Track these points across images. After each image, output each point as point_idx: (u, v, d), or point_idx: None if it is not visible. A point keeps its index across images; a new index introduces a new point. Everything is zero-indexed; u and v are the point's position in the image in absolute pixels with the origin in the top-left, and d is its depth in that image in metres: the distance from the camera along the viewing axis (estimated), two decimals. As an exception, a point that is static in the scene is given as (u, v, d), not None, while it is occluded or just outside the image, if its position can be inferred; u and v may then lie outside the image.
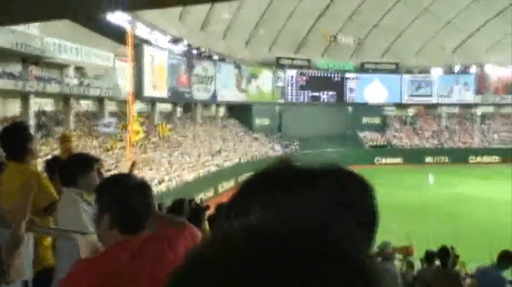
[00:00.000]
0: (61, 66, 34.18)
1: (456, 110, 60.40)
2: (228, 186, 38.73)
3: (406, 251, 13.45)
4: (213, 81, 47.81)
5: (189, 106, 47.59)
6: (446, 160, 52.72)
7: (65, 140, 4.98)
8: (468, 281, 10.89)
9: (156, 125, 39.05)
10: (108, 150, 32.75)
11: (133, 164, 5.51)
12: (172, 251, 2.22)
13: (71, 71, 34.67)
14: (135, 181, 2.38)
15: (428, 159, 53.33)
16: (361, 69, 58.29)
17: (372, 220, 0.92)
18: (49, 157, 23.65)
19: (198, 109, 47.85)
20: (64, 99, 34.18)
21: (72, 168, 3.65)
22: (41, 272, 3.76)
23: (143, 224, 2.22)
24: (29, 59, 30.45)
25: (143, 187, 2.33)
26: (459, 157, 52.14)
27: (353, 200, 0.89)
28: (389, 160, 52.30)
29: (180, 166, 35.97)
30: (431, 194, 34.95)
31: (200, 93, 46.58)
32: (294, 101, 55.62)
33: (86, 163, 3.71)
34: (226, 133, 48.03)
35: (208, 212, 8.73)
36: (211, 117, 50.36)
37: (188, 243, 2.32)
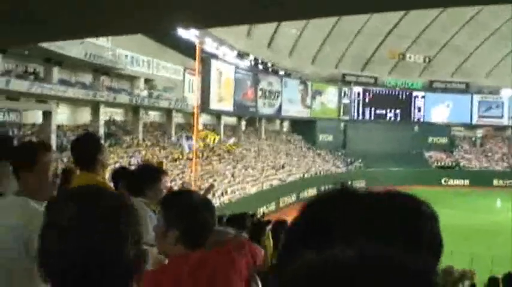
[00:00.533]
0: (131, 78, 35.31)
1: (526, 132, 58.01)
2: (289, 201, 38.65)
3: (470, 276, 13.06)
4: (278, 96, 48.06)
5: (253, 120, 48.00)
6: (516, 184, 50.55)
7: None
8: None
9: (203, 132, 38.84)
10: (175, 160, 33.43)
11: (210, 188, 5.53)
12: (233, 267, 2.23)
13: (141, 83, 35.74)
14: (199, 197, 2.45)
15: (497, 182, 51.28)
16: (430, 87, 57.01)
17: (437, 249, 0.94)
18: (117, 165, 24.40)
19: (262, 123, 48.17)
20: (133, 109, 35.27)
21: (141, 179, 3.75)
22: None
23: (205, 239, 2.28)
24: (100, 70, 31.57)
25: (209, 204, 2.41)
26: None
27: (420, 232, 0.91)
28: (456, 182, 50.65)
29: (244, 179, 36.24)
30: (499, 218, 33.61)
31: (265, 108, 46.92)
32: (359, 118, 55.00)
33: (155, 174, 3.81)
34: (289, 148, 48.05)
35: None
36: (275, 132, 50.57)
37: (249, 260, 2.32)
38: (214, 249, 2.26)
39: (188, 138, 32.72)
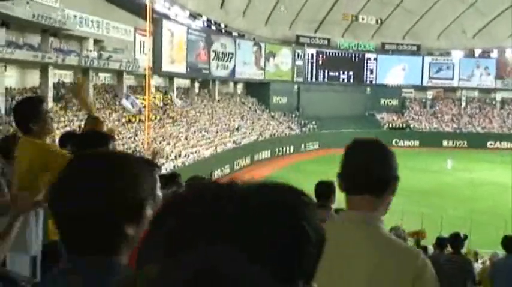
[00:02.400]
0: (81, 39, 34.27)
1: (476, 94, 59.69)
2: (244, 163, 38.86)
3: (419, 236, 13.41)
4: (232, 58, 47.65)
5: (207, 82, 47.57)
6: (465, 145, 52.22)
7: (99, 122, 4.79)
8: (479, 266, 10.84)
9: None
10: (127, 123, 32.95)
11: (154, 154, 5.41)
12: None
13: (90, 44, 34.75)
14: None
15: (446, 143, 52.87)
16: (382, 49, 57.67)
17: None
18: (67, 128, 23.87)
19: (216, 86, 47.82)
20: (83, 71, 34.33)
21: (88, 145, 3.63)
22: (49, 245, 3.76)
23: None
24: (49, 31, 30.48)
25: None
26: (478, 141, 51.60)
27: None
28: (407, 143, 51.96)
29: (198, 141, 36.10)
30: (448, 179, 34.74)
31: (218, 70, 46.50)
32: (312, 80, 55.26)
33: (102, 140, 3.69)
34: (243, 111, 47.99)
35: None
36: (229, 94, 50.33)
37: None
38: None
39: (128, 97, 32.21)
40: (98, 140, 3.67)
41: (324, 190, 5.20)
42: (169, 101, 39.30)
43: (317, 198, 5.13)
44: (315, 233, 0.73)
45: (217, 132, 39.82)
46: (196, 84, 46.18)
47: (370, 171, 1.90)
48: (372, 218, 1.88)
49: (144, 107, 31.26)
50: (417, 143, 52.42)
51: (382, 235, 1.88)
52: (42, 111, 3.79)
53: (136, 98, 31.14)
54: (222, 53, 46.54)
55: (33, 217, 3.54)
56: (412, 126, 56.16)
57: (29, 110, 3.76)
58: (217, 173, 33.77)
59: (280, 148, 45.13)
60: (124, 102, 32.22)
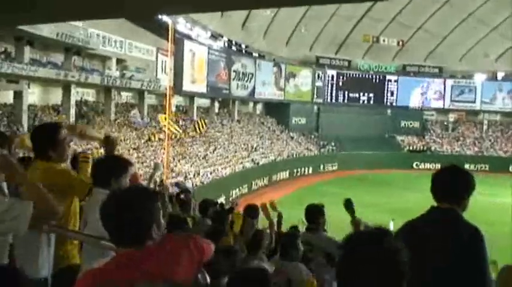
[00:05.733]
0: (103, 58, 34.81)
1: (498, 117, 59.02)
2: (262, 183, 38.78)
3: None
4: (252, 78, 47.91)
5: (226, 102, 47.84)
6: (487, 168, 51.49)
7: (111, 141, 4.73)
8: None
9: (194, 120, 39.18)
10: (146, 141, 33.21)
11: (153, 172, 5.41)
12: (171, 265, 2.18)
13: (113, 63, 35.27)
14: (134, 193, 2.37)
15: (468, 166, 52.16)
16: (403, 71, 57.49)
17: None
18: (89, 146, 24.06)
19: (235, 105, 48.05)
20: (105, 90, 34.82)
21: (108, 169, 3.64)
22: (64, 270, 3.77)
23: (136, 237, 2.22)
24: (72, 50, 30.99)
25: (142, 200, 2.33)
26: (500, 165, 50.87)
27: None
28: (428, 165, 51.42)
29: (216, 161, 36.19)
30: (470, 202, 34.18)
31: (238, 90, 46.75)
32: (332, 101, 55.23)
33: (122, 166, 3.71)
34: (262, 131, 48.07)
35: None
36: (248, 114, 50.51)
37: (194, 257, 2.28)
38: (150, 247, 2.21)
39: (134, 114, 32.62)
40: (119, 165, 3.69)
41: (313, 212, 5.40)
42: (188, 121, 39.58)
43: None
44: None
45: (235, 151, 39.89)
46: (216, 104, 46.47)
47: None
48: None
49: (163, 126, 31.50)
50: (438, 166, 51.46)
51: None
52: (61, 138, 3.82)
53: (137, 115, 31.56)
54: (242, 73, 46.84)
55: (46, 241, 3.56)
56: (433, 149, 55.63)
57: (48, 136, 3.79)
58: (235, 193, 33.75)
59: (299, 169, 45.01)
60: (134, 115, 32.62)
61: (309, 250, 5.03)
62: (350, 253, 1.67)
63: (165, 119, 30.57)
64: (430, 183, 3.13)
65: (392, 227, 9.02)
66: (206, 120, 39.58)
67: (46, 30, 26.57)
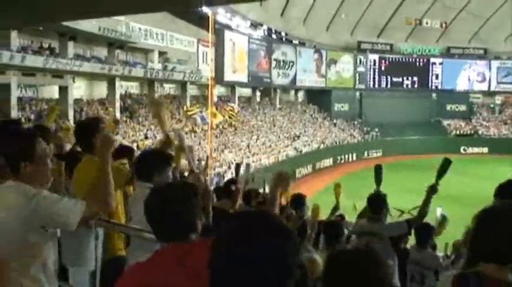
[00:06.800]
0: (146, 51, 35.26)
1: (546, 98, 57.03)
2: (305, 171, 38.63)
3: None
4: (292, 66, 47.69)
5: (268, 91, 47.79)
6: (536, 150, 49.88)
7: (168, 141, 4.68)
8: None
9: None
10: (190, 132, 33.55)
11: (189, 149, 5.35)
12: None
13: (155, 56, 35.70)
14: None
15: (517, 149, 50.67)
16: (447, 54, 56.10)
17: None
18: (133, 138, 24.44)
19: (277, 94, 47.96)
20: (148, 82, 35.30)
21: (151, 163, 3.69)
22: (111, 261, 3.85)
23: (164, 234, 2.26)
24: (115, 44, 31.51)
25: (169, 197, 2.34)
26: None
27: None
28: (475, 149, 50.22)
29: (259, 150, 36.25)
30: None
31: (279, 78, 46.63)
32: (375, 86, 54.44)
33: (165, 160, 3.75)
34: (305, 118, 47.86)
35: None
36: (290, 102, 50.36)
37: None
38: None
39: (202, 119, 32.56)
40: (161, 160, 3.73)
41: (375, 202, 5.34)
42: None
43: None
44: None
45: (278, 140, 39.86)
46: (258, 93, 46.50)
47: None
48: None
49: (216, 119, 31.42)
50: (486, 150, 50.51)
51: None
52: (100, 131, 3.86)
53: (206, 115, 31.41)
54: (283, 61, 46.67)
55: (93, 235, 3.65)
56: (480, 132, 54.22)
57: (89, 131, 3.88)
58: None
59: (343, 156, 44.65)
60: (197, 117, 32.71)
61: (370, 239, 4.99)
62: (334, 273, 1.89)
63: (215, 115, 30.42)
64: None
65: (439, 213, 8.86)
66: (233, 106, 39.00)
67: (89, 25, 27.04)
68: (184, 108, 32.14)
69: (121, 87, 32.91)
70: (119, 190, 3.89)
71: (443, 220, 8.28)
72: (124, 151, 4.91)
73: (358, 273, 1.81)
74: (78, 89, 30.68)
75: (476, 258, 2.03)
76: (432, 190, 4.89)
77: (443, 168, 4.94)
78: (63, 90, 28.44)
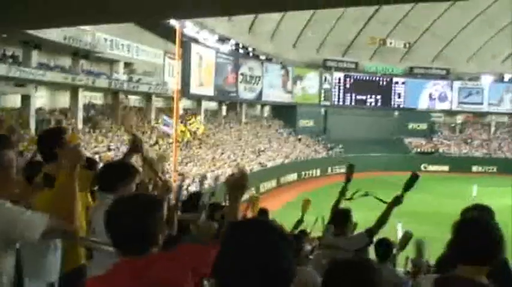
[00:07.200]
0: (111, 62, 34.91)
1: (506, 119, 58.74)
2: (270, 186, 38.73)
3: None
4: (259, 81, 47.94)
5: (234, 105, 47.88)
6: (494, 170, 51.22)
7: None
8: None
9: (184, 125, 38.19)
10: (154, 145, 33.28)
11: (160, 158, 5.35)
12: (173, 273, 2.19)
13: (120, 67, 35.37)
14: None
15: (476, 168, 51.95)
16: (410, 73, 57.36)
17: None
18: (96, 149, 24.08)
19: (243, 108, 48.09)
20: (113, 93, 34.93)
21: (116, 175, 3.65)
22: (71, 273, 3.78)
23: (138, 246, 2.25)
24: (80, 53, 31.09)
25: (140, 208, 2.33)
26: (508, 167, 50.56)
27: None
28: (436, 167, 51.22)
29: (224, 163, 36.21)
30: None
31: (246, 93, 46.80)
32: (339, 103, 55.16)
33: (130, 172, 3.72)
34: (270, 133, 48.06)
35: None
36: (256, 117, 50.53)
37: (198, 270, 2.30)
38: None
39: (166, 125, 32.40)
40: (125, 173, 3.70)
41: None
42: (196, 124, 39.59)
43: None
44: None
45: (243, 154, 39.90)
46: (224, 107, 46.52)
47: None
48: None
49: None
50: (446, 168, 51.63)
51: None
52: (64, 141, 3.80)
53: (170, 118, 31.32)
54: (250, 76, 46.89)
55: (53, 246, 3.59)
56: (441, 151, 55.42)
57: (52, 141, 3.78)
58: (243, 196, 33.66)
59: (307, 171, 44.95)
60: (162, 128, 32.51)
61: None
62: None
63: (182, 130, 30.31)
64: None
65: (400, 229, 9.05)
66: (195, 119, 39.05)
67: (54, 34, 26.61)
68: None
69: (84, 97, 32.47)
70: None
71: (408, 234, 8.41)
72: (87, 163, 4.84)
73: (357, 278, 1.95)
74: (41, 99, 30.13)
75: (455, 260, 2.31)
76: (396, 200, 4.97)
77: (411, 182, 5.03)
78: (26, 99, 27.91)
